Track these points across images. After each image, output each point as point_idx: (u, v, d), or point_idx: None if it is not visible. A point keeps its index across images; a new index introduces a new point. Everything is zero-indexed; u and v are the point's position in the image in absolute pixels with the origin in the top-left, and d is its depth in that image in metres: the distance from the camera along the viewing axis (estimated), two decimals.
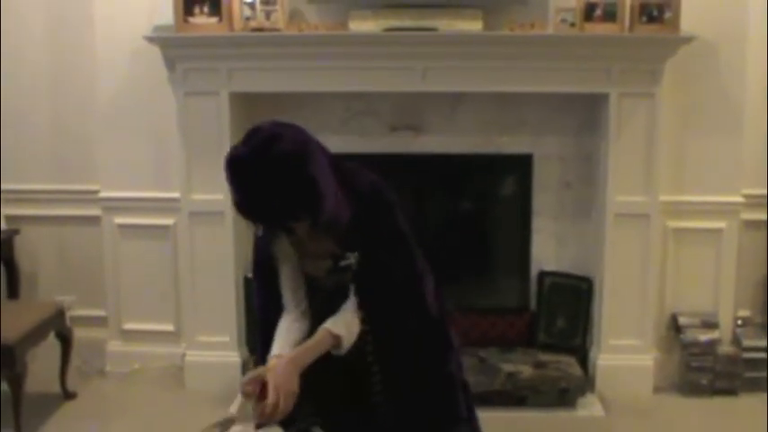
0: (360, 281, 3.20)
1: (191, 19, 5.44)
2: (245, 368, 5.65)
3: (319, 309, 3.32)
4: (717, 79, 5.65)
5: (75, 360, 5.85)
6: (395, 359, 3.25)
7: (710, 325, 5.80)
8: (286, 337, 3.24)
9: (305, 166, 2.86)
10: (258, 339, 3.53)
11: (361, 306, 3.19)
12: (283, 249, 3.26)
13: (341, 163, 3.15)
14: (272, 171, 2.82)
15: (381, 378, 3.27)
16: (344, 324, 3.16)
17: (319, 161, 2.93)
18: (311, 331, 3.25)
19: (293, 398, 3.01)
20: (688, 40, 5.37)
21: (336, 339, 3.13)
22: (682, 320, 5.83)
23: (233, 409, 5.15)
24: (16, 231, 6.15)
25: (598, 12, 5.42)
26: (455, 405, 3.44)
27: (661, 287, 5.84)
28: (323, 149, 3.03)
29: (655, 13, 5.38)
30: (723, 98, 5.66)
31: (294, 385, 3.01)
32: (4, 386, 5.11)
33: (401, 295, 3.24)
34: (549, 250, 6.02)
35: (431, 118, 5.87)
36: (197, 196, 5.61)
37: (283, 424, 3.19)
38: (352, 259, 3.18)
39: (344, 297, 3.24)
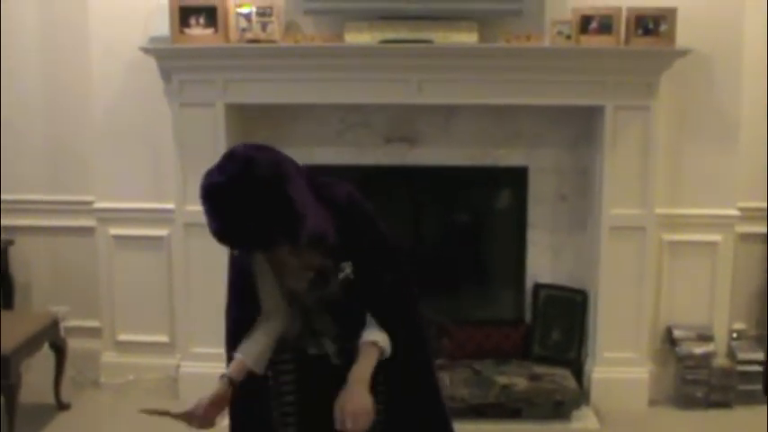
0: (353, 291, 3.20)
1: (187, 30, 5.44)
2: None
3: (302, 322, 3.34)
4: (712, 92, 5.66)
5: (69, 371, 5.84)
6: (391, 364, 3.26)
7: (705, 338, 5.80)
8: (257, 340, 3.32)
9: (282, 188, 2.83)
10: (226, 359, 3.53)
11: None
12: (260, 265, 3.26)
13: (316, 178, 3.14)
14: (249, 196, 2.79)
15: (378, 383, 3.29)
16: (379, 332, 3.19)
17: (295, 181, 2.89)
18: (297, 341, 3.29)
19: (370, 417, 3.04)
20: (684, 53, 5.38)
21: (380, 349, 3.16)
22: (677, 333, 5.83)
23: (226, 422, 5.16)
24: (11, 242, 6.15)
25: (594, 24, 5.43)
26: (445, 415, 3.47)
27: (656, 300, 5.84)
28: (297, 167, 2.99)
29: (650, 25, 5.39)
30: (719, 111, 5.67)
31: (368, 403, 3.05)
32: None
33: (392, 303, 3.26)
34: (544, 263, 6.02)
35: (426, 130, 5.88)
36: (192, 207, 5.58)
37: None
38: (347, 269, 3.19)
39: (327, 309, 3.26)
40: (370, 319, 3.22)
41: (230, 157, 2.89)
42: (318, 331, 3.34)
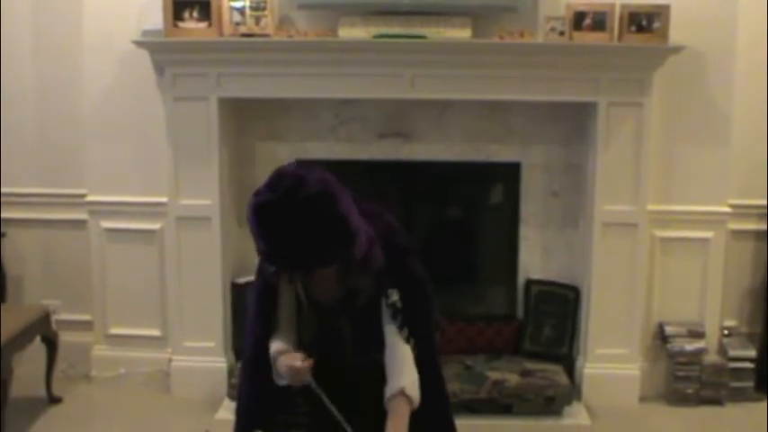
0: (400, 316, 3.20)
1: (180, 24, 5.43)
2: (230, 374, 5.65)
3: (320, 325, 3.33)
4: (705, 89, 5.66)
5: (60, 364, 5.84)
6: None
7: (697, 334, 5.80)
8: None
9: (334, 206, 2.81)
10: (246, 378, 3.48)
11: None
12: (284, 282, 3.23)
13: (360, 202, 3.12)
14: (302, 215, 2.77)
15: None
16: (407, 373, 3.16)
17: (346, 199, 2.88)
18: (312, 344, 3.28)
19: None
20: (677, 49, 5.39)
21: (409, 398, 3.12)
22: (668, 330, 5.84)
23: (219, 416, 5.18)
24: (3, 235, 6.13)
25: (587, 21, 5.43)
26: (450, 417, 3.46)
27: (648, 296, 5.84)
28: (343, 188, 2.95)
29: (644, 22, 5.39)
30: (711, 108, 5.67)
31: None
32: None
33: (426, 344, 3.25)
34: (536, 259, 6.03)
35: (419, 125, 5.88)
36: (184, 201, 5.60)
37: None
38: (395, 296, 3.17)
39: (348, 316, 3.25)
40: (396, 354, 3.19)
41: (280, 176, 2.87)
42: (336, 334, 3.32)
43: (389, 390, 3.12)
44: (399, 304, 3.17)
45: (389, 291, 3.16)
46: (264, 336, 3.31)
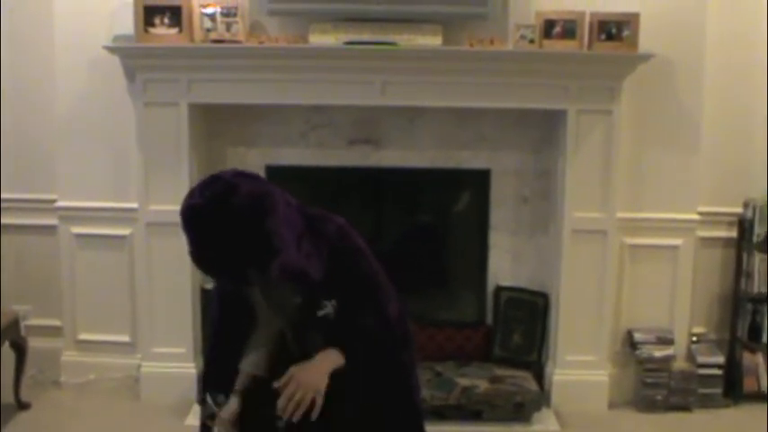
0: (334, 326, 3.19)
1: (151, 29, 5.42)
2: (200, 380, 5.63)
3: (286, 340, 3.34)
4: (674, 97, 5.69)
5: (29, 370, 5.82)
6: (363, 389, 3.23)
7: (665, 341, 5.83)
8: (256, 349, 3.32)
9: (260, 221, 2.82)
10: (209, 354, 3.57)
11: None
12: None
13: (308, 210, 3.12)
14: (223, 223, 2.79)
15: (351, 404, 3.24)
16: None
17: (278, 214, 2.88)
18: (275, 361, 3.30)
19: (315, 396, 3.00)
20: (646, 57, 5.42)
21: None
22: (637, 336, 5.86)
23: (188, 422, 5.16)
24: None
25: (557, 29, 5.45)
26: (419, 416, 3.45)
27: (617, 303, 5.87)
28: (286, 200, 2.97)
29: (613, 30, 5.41)
30: (680, 116, 5.71)
31: (321, 384, 3.02)
32: None
33: (371, 348, 3.22)
34: (505, 265, 6.04)
35: (389, 132, 5.88)
36: (155, 207, 5.59)
37: None
38: (329, 308, 3.16)
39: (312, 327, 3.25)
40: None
41: (213, 180, 2.89)
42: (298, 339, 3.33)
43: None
44: (332, 316, 3.16)
45: (324, 302, 3.15)
46: (222, 337, 3.40)
